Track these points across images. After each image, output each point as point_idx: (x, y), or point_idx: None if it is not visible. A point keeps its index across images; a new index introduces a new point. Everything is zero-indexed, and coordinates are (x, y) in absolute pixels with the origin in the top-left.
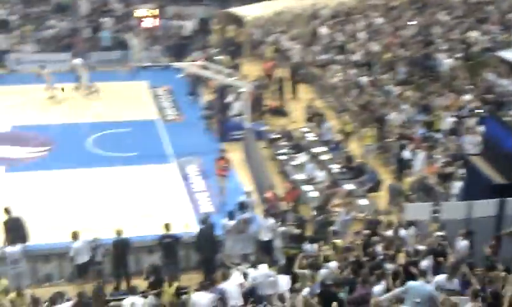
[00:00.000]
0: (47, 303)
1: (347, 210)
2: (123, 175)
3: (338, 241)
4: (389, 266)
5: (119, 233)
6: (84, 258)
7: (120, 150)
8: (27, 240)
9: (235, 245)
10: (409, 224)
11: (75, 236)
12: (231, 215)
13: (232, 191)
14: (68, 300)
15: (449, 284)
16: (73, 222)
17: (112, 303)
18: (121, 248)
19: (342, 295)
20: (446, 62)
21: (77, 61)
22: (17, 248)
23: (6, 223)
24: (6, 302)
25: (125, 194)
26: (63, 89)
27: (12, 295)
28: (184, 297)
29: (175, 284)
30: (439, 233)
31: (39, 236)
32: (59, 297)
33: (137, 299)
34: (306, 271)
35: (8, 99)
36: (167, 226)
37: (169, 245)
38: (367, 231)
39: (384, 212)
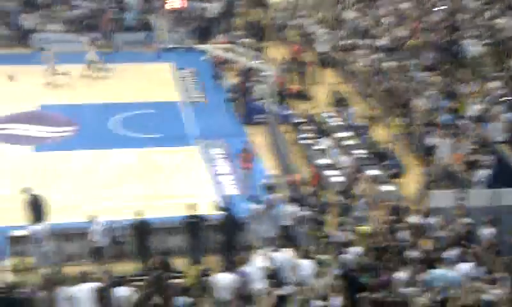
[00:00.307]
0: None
1: (367, 195)
2: (148, 156)
3: (362, 227)
4: (413, 253)
5: (138, 214)
6: (100, 241)
7: (144, 131)
8: (45, 219)
9: (259, 228)
10: (435, 211)
11: (91, 219)
12: (257, 199)
13: (256, 175)
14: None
15: (475, 272)
16: (96, 203)
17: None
18: (141, 230)
19: (365, 279)
20: (473, 48)
21: (84, 38)
22: (40, 227)
23: (27, 202)
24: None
25: (149, 176)
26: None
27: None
28: (205, 278)
29: (198, 267)
30: (466, 220)
31: (63, 216)
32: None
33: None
34: (328, 256)
35: (33, 79)
36: (192, 207)
37: (194, 225)
38: (390, 217)
39: (409, 198)
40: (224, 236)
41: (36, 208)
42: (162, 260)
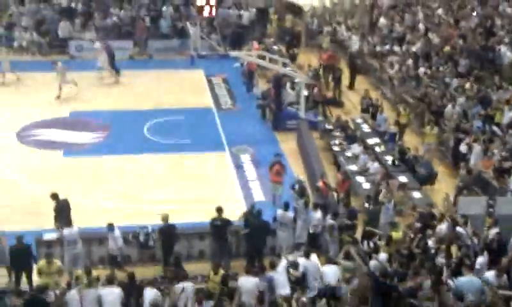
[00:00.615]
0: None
1: (396, 202)
2: (178, 162)
3: (394, 233)
4: (441, 260)
5: (165, 219)
6: (114, 249)
7: (175, 137)
8: (72, 223)
9: (285, 234)
10: (465, 219)
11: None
12: (286, 206)
13: (285, 187)
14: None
15: (497, 280)
16: (127, 207)
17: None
18: (168, 234)
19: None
20: (507, 55)
21: (97, 45)
22: (74, 230)
23: (56, 208)
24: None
25: (179, 181)
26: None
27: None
28: (229, 283)
29: (221, 272)
30: (495, 230)
31: (93, 220)
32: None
33: (188, 285)
34: (350, 262)
35: (67, 85)
36: (219, 210)
37: (219, 228)
38: (419, 224)
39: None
40: (251, 241)
41: (63, 213)
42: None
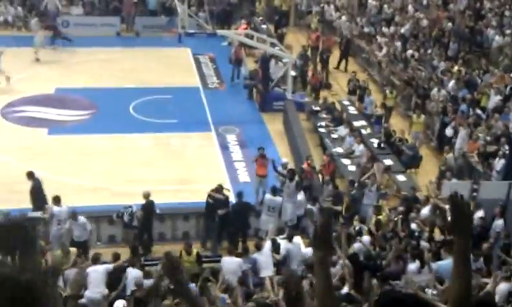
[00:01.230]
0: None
1: (380, 184)
2: (164, 141)
3: (375, 216)
4: (424, 244)
5: (146, 196)
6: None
7: (162, 116)
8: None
9: (274, 219)
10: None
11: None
12: (274, 191)
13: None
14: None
15: (473, 264)
16: (112, 186)
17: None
18: (147, 211)
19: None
20: (495, 38)
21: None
22: (64, 209)
23: (33, 188)
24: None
25: (165, 160)
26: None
27: (58, 252)
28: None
29: (194, 252)
30: (479, 215)
31: (79, 199)
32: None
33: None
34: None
35: (53, 62)
36: (216, 189)
37: (210, 207)
38: (402, 208)
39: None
40: (231, 222)
41: (41, 193)
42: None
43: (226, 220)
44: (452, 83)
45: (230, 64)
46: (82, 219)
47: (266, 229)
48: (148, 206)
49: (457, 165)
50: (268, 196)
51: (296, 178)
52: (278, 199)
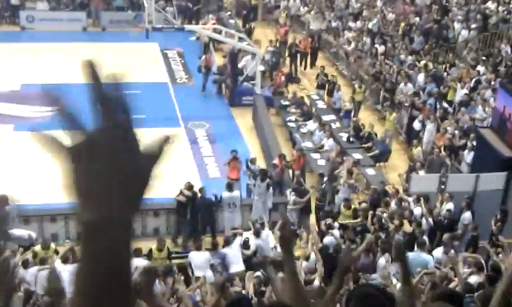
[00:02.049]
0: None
1: (350, 178)
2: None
3: (344, 210)
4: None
5: None
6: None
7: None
8: None
9: (237, 215)
10: (418, 197)
11: None
12: (230, 187)
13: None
14: None
15: (444, 256)
16: None
17: None
18: None
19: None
20: (461, 32)
21: None
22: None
23: None
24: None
25: None
26: None
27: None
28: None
29: (166, 248)
30: (447, 207)
31: (45, 196)
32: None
33: (141, 261)
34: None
35: (18, 57)
36: (188, 187)
37: (181, 204)
38: (372, 201)
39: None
40: (196, 218)
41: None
42: None
43: (196, 217)
44: (419, 77)
45: (199, 72)
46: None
47: (231, 225)
48: None
49: (428, 159)
50: (226, 193)
51: (268, 179)
52: (235, 194)
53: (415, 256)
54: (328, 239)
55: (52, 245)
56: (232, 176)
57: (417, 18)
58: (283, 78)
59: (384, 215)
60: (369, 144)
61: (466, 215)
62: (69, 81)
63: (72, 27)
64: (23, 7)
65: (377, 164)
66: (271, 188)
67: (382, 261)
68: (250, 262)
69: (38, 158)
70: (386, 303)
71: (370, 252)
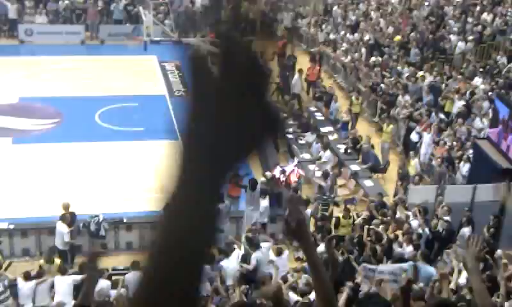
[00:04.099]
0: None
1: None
2: (130, 150)
3: (342, 220)
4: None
5: (65, 208)
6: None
7: (128, 125)
8: None
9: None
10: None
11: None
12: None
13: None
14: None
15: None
16: (77, 196)
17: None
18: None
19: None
20: (458, 44)
21: None
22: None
23: None
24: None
25: (131, 170)
26: None
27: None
28: None
29: None
30: (445, 218)
31: (43, 209)
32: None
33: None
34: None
35: (17, 70)
36: None
37: None
38: (367, 213)
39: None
40: None
41: None
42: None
43: None
44: (416, 88)
45: None
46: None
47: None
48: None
49: (423, 170)
50: (222, 205)
51: (259, 186)
52: (224, 204)
53: (420, 268)
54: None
55: (57, 260)
56: (232, 194)
57: (413, 31)
58: None
59: (381, 227)
60: (360, 159)
61: (466, 230)
62: (67, 94)
63: (71, 40)
64: (21, 20)
65: (375, 175)
66: (266, 197)
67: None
68: (250, 277)
69: (37, 171)
70: None
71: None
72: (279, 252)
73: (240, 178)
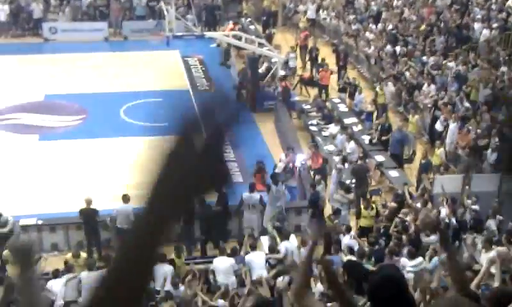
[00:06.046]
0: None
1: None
2: (155, 144)
3: (365, 211)
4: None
5: (88, 202)
6: None
7: (152, 120)
8: None
9: (256, 216)
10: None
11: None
12: (251, 188)
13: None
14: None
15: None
16: (105, 191)
17: None
18: (89, 217)
19: (368, 266)
20: (483, 32)
21: None
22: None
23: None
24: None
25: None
26: None
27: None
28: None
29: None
30: (473, 207)
31: (71, 205)
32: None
33: (167, 267)
34: None
35: (41, 68)
36: None
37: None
38: (394, 204)
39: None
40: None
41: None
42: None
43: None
44: (441, 78)
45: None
46: None
47: (250, 226)
48: (87, 213)
49: (449, 159)
50: (245, 193)
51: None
52: (255, 196)
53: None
54: (350, 241)
55: (83, 254)
56: (258, 188)
57: (437, 19)
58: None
59: (408, 217)
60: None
61: (492, 222)
62: (92, 90)
63: (94, 37)
64: (45, 19)
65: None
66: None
67: (403, 261)
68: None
69: (64, 168)
70: None
71: (393, 254)
72: (303, 243)
73: (265, 171)
